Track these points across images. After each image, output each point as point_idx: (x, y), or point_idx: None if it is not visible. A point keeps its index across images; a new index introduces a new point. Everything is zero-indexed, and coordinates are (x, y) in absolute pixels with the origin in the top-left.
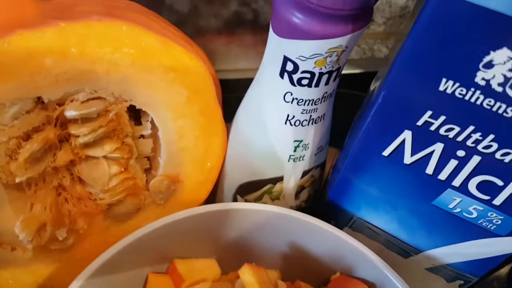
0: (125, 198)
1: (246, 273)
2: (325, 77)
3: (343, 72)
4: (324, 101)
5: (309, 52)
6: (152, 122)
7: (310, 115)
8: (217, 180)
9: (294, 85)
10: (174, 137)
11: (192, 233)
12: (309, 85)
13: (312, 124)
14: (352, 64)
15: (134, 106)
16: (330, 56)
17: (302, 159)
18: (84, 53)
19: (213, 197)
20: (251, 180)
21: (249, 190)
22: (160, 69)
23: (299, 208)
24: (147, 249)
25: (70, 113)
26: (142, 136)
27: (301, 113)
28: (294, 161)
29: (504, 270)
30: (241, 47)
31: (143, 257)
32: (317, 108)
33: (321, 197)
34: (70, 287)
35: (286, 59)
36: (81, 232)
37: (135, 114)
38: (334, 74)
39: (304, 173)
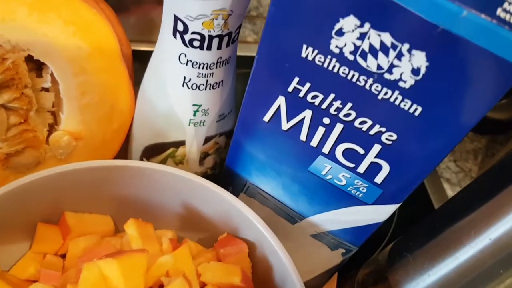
0: (24, 149)
1: (131, 227)
2: (215, 41)
3: None
4: (219, 67)
5: (195, 12)
6: (53, 76)
7: (207, 80)
8: (125, 142)
9: (187, 46)
10: (76, 93)
11: (85, 188)
12: (200, 47)
13: (209, 89)
14: None
15: (37, 60)
16: (216, 19)
17: (203, 125)
18: None
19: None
20: (155, 142)
21: (153, 153)
22: (59, 21)
23: (204, 175)
24: (38, 198)
25: None
26: (45, 90)
27: (197, 76)
28: (194, 125)
29: (388, 248)
30: None
31: (34, 205)
32: (213, 73)
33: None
34: None
35: (176, 18)
36: None
37: (37, 66)
38: (225, 39)
39: (207, 139)
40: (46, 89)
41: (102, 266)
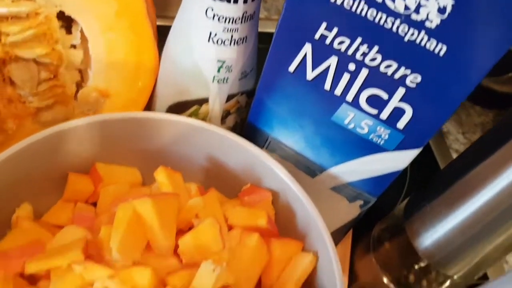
0: (53, 104)
1: (161, 174)
2: None
3: None
4: (244, 22)
5: None
6: (82, 34)
7: (232, 35)
8: (149, 102)
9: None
10: (103, 50)
11: (114, 140)
12: (227, 0)
13: (234, 44)
14: None
15: (67, 17)
16: None
17: (226, 82)
18: None
19: None
20: (179, 100)
21: (177, 111)
22: None
23: None
24: (68, 148)
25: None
26: (74, 47)
27: (223, 31)
28: (218, 82)
29: (403, 203)
30: None
31: (64, 156)
32: (238, 28)
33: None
34: None
35: None
36: (10, 132)
37: (67, 24)
38: None
39: (229, 97)
40: (75, 47)
41: (137, 206)
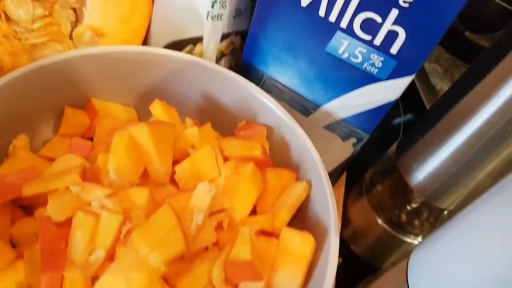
0: (48, 42)
1: (157, 107)
2: None
3: None
4: None
5: None
6: None
7: None
8: (144, 43)
9: None
10: None
11: (110, 75)
12: None
13: None
14: None
15: None
16: None
17: (220, 19)
18: None
19: None
20: (174, 40)
21: None
22: None
23: None
24: (64, 80)
25: None
26: None
27: None
28: (212, 19)
29: (395, 145)
30: None
31: (60, 88)
32: None
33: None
34: None
35: None
36: (6, 70)
37: None
38: None
39: (223, 37)
40: None
41: (133, 132)
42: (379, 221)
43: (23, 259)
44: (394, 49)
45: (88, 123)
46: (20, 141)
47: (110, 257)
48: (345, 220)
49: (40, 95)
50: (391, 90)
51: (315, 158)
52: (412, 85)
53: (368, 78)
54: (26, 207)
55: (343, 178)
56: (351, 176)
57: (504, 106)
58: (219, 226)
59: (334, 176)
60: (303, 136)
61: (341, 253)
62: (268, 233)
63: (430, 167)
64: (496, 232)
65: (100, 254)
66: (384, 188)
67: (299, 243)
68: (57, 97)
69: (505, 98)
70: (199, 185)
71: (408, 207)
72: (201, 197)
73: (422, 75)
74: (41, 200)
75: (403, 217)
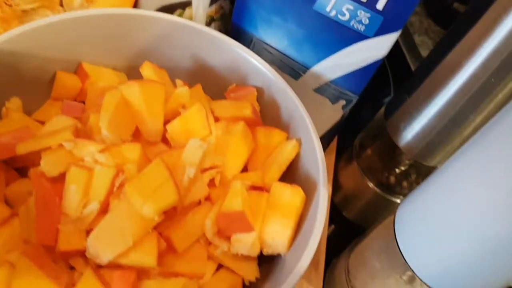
0: (39, 8)
1: (147, 69)
2: None
3: None
4: None
5: None
6: None
7: None
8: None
9: None
10: None
11: (100, 39)
12: None
13: None
14: None
15: None
16: None
17: None
18: None
19: None
20: (163, 4)
21: None
22: None
23: None
24: (55, 43)
25: None
26: None
27: None
28: None
29: (383, 108)
30: None
31: (51, 52)
32: None
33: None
34: None
35: None
36: None
37: None
38: None
39: (212, 1)
40: None
41: (124, 90)
42: (369, 184)
43: (18, 216)
44: (380, 5)
45: (80, 86)
46: (13, 104)
47: (104, 210)
48: (336, 186)
49: (30, 59)
50: (378, 47)
51: (305, 116)
52: (402, 58)
53: (356, 36)
54: (20, 169)
55: (334, 144)
56: (342, 143)
57: (487, 59)
58: (211, 184)
59: (324, 141)
60: (292, 95)
61: (333, 219)
62: (259, 188)
63: (417, 125)
64: (477, 181)
65: (94, 206)
66: (374, 152)
67: (289, 195)
68: (48, 62)
69: (489, 51)
70: (191, 140)
71: (397, 170)
72: (192, 152)
73: (412, 48)
74: (35, 160)
75: (392, 179)
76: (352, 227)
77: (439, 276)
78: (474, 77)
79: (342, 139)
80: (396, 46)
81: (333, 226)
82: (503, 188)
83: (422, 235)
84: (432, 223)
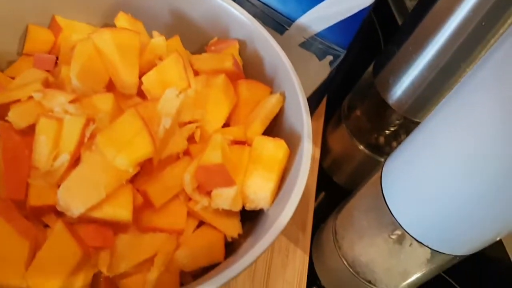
0: None
1: (121, 19)
2: None
3: None
4: None
5: None
6: None
7: None
8: None
9: None
10: None
11: None
12: None
13: None
14: None
15: None
16: None
17: None
18: None
19: None
20: None
21: None
22: None
23: None
24: None
25: None
26: None
27: None
28: None
29: (371, 66)
30: None
31: (20, 3)
32: None
33: None
34: None
35: None
36: None
37: None
38: None
39: None
40: None
41: (96, 39)
42: (359, 146)
43: None
44: None
45: (53, 39)
46: None
47: (75, 164)
48: (325, 151)
49: (1, 10)
50: None
51: (289, 69)
52: (393, 20)
53: None
54: None
55: (322, 110)
56: (330, 110)
57: (478, 1)
58: (191, 139)
59: (312, 103)
60: (276, 47)
61: (323, 186)
62: (241, 143)
63: (407, 79)
64: (462, 127)
65: (64, 158)
66: (362, 112)
67: (272, 149)
68: (20, 13)
69: None
70: (167, 90)
71: (386, 131)
72: (168, 102)
73: (403, 10)
74: (4, 116)
75: (382, 139)
76: (342, 192)
77: (426, 229)
78: (465, 21)
79: (330, 105)
80: (384, 4)
81: (323, 193)
82: (488, 133)
83: (408, 189)
84: (419, 175)
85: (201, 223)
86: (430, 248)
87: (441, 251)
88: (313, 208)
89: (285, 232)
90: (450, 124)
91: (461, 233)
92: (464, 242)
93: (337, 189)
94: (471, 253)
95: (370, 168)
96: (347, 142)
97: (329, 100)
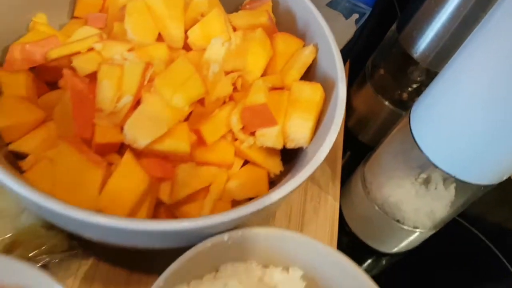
0: None
1: None
2: None
3: None
4: None
5: None
6: None
7: None
8: None
9: None
10: None
11: None
12: None
13: None
14: None
15: None
16: None
17: None
18: None
19: None
20: None
21: None
22: None
23: None
24: None
25: None
26: None
27: None
28: None
29: (395, 24)
30: None
31: None
32: None
33: None
34: None
35: None
36: None
37: None
38: None
39: None
40: None
41: None
42: (384, 101)
43: (53, 115)
44: None
45: (101, 2)
46: (39, 18)
47: (136, 105)
48: (350, 111)
49: None
50: None
51: (320, 22)
52: None
53: None
54: (51, 84)
55: (346, 69)
56: (353, 72)
57: None
58: (234, 89)
59: None
60: (308, 3)
61: (349, 145)
62: (280, 89)
63: (431, 32)
64: (486, 60)
65: (127, 99)
66: (386, 70)
67: (309, 91)
68: None
69: None
70: (213, 40)
71: (409, 88)
72: (215, 50)
73: None
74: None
75: (405, 96)
76: (367, 150)
77: (454, 161)
78: None
79: (353, 69)
80: None
81: (348, 152)
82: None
83: (436, 124)
84: (445, 110)
85: (245, 164)
86: (458, 180)
87: (468, 181)
88: (341, 161)
89: (317, 181)
90: (475, 58)
91: (486, 161)
92: (489, 171)
93: (362, 147)
94: (495, 182)
95: (395, 122)
96: (372, 100)
97: (352, 63)
